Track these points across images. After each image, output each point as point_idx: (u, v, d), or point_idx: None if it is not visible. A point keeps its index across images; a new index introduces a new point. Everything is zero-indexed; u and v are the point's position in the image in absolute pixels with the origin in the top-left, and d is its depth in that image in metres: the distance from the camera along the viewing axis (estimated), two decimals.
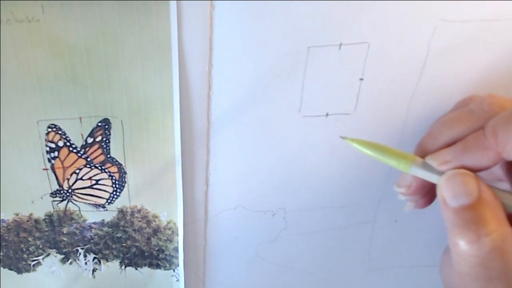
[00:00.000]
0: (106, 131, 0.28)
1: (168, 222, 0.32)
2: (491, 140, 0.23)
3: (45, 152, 0.29)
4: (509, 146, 0.22)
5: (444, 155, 0.24)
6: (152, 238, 0.33)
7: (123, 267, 0.34)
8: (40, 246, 0.33)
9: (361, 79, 0.28)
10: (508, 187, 0.27)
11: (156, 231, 0.33)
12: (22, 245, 0.32)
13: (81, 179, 0.30)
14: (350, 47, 0.26)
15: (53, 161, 0.29)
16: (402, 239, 0.35)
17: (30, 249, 0.33)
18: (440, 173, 0.24)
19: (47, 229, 0.32)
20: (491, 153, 0.23)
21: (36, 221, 0.31)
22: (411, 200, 0.28)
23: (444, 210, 0.24)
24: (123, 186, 0.31)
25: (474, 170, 0.24)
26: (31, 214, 0.31)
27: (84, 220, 0.32)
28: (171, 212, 0.32)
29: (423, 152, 0.26)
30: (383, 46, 0.27)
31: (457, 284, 0.25)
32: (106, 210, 0.32)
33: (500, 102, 0.25)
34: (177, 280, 0.35)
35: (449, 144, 0.25)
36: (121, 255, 0.34)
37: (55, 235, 0.32)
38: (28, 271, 0.34)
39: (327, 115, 0.29)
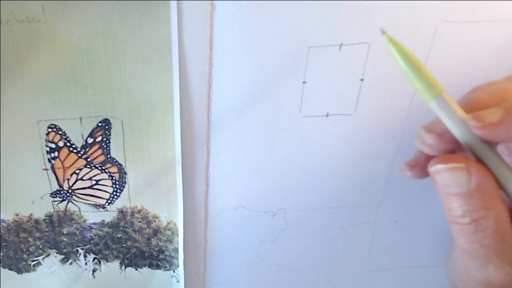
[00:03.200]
0: (106, 132, 0.28)
1: (168, 223, 0.32)
2: None
3: (45, 152, 0.29)
4: None
5: (488, 116, 0.22)
6: (152, 239, 0.33)
7: (123, 267, 0.34)
8: (40, 246, 0.33)
9: (362, 80, 0.28)
10: None
11: (156, 231, 0.33)
12: (22, 245, 0.32)
13: (81, 179, 0.30)
14: (350, 48, 0.26)
15: (53, 161, 0.29)
16: (402, 239, 0.35)
17: (30, 249, 0.33)
18: (458, 121, 0.22)
19: (47, 230, 0.32)
20: None
21: (36, 221, 0.31)
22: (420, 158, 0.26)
23: (438, 191, 0.24)
24: (123, 187, 0.31)
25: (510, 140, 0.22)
26: (31, 215, 0.31)
27: (84, 221, 0.32)
28: (171, 212, 0.32)
29: (472, 103, 0.23)
30: (383, 46, 0.27)
31: (461, 267, 0.25)
32: (106, 210, 0.32)
33: None
34: (177, 281, 0.35)
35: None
36: (121, 256, 0.34)
37: (55, 236, 0.32)
38: (28, 271, 0.34)
39: (327, 115, 0.29)
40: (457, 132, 0.23)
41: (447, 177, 0.23)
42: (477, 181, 0.22)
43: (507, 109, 0.22)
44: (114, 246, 0.33)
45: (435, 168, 0.23)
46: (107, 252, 0.33)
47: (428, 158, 0.27)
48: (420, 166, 0.27)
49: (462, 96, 0.25)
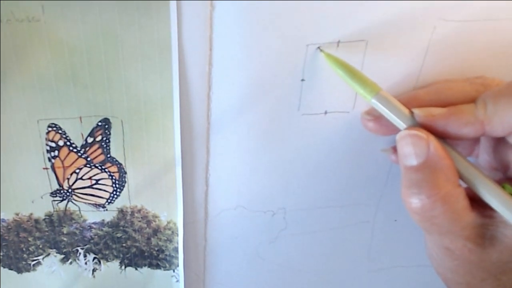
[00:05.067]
0: (106, 131, 0.28)
1: (168, 222, 0.32)
2: (480, 110, 0.23)
3: (45, 151, 0.29)
4: (495, 120, 0.23)
5: (432, 109, 0.24)
6: (152, 238, 0.33)
7: (123, 267, 0.34)
8: (40, 246, 0.33)
9: None
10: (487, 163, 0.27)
11: (156, 231, 0.33)
12: (22, 245, 0.32)
13: (81, 178, 0.30)
14: (348, 45, 0.26)
15: (53, 161, 0.29)
16: (402, 239, 0.35)
17: (30, 249, 0.33)
18: (398, 113, 0.24)
19: (47, 229, 0.32)
20: (477, 123, 0.23)
21: (36, 221, 0.31)
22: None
23: (400, 165, 0.25)
24: (123, 186, 0.31)
25: (454, 137, 0.24)
26: (31, 214, 0.31)
27: (84, 220, 0.32)
28: (171, 212, 0.32)
29: (406, 99, 0.26)
30: (381, 44, 0.27)
31: (428, 248, 0.27)
32: (106, 210, 0.32)
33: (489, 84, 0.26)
34: (177, 281, 0.35)
35: (436, 105, 0.25)
36: (121, 255, 0.34)
37: (55, 235, 0.32)
38: (28, 271, 0.34)
39: (325, 113, 0.29)
40: (400, 124, 0.25)
41: (407, 143, 0.24)
42: (433, 154, 0.23)
43: (449, 108, 0.24)
44: (114, 246, 0.33)
45: (399, 134, 0.24)
46: (107, 252, 0.33)
47: None
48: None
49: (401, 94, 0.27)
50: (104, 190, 0.31)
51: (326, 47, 0.26)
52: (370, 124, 0.27)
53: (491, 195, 0.23)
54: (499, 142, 0.26)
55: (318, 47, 0.26)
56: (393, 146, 0.28)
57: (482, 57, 0.28)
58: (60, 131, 0.28)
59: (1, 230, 0.31)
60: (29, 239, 0.32)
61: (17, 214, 0.31)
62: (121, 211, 0.32)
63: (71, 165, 0.30)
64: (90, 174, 0.30)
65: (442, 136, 0.24)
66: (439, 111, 0.24)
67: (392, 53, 0.27)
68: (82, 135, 0.29)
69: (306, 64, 0.27)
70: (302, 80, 0.27)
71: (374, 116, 0.27)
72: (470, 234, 0.24)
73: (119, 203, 0.31)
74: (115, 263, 0.34)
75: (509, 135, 0.24)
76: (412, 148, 0.24)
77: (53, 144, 0.29)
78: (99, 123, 0.28)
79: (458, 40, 0.27)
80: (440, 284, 0.32)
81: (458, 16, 0.26)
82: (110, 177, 0.30)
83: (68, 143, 0.29)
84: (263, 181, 0.31)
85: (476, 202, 0.24)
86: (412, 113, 0.25)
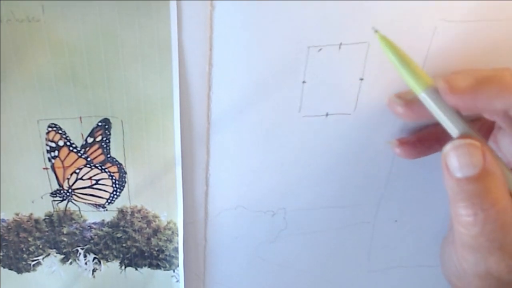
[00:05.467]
0: (106, 131, 0.28)
1: (168, 222, 0.32)
2: None
3: (45, 152, 0.29)
4: None
5: (458, 80, 0.23)
6: (152, 238, 0.33)
7: (123, 267, 0.34)
8: (40, 246, 0.33)
9: (361, 79, 0.28)
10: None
11: (156, 231, 0.33)
12: (22, 245, 0.32)
13: (81, 179, 0.30)
14: (350, 47, 0.26)
15: (53, 161, 0.29)
16: (402, 239, 0.35)
17: (30, 249, 0.33)
18: (447, 111, 0.23)
19: (47, 229, 0.32)
20: (508, 94, 0.22)
21: (36, 221, 0.31)
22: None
23: (447, 179, 0.23)
24: (123, 186, 0.31)
25: (482, 110, 0.23)
26: (31, 214, 0.31)
27: (84, 220, 0.32)
28: (171, 212, 0.32)
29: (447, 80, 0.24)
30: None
31: (457, 261, 0.25)
32: (106, 210, 0.32)
33: None
34: (177, 281, 0.35)
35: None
36: (121, 255, 0.34)
37: (55, 235, 0.32)
38: (28, 271, 0.34)
39: (327, 115, 0.29)
40: (448, 124, 0.23)
41: (460, 154, 0.23)
42: (489, 164, 0.22)
43: (476, 78, 0.23)
44: (114, 246, 0.33)
45: (453, 144, 0.23)
46: (107, 252, 0.33)
47: (419, 139, 0.27)
48: (410, 144, 0.27)
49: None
50: (104, 190, 0.31)
51: (329, 49, 0.26)
52: (400, 109, 0.26)
53: None
54: None
55: (373, 28, 0.24)
56: (398, 138, 0.27)
57: (483, 58, 0.28)
58: (60, 131, 0.28)
59: (1, 230, 0.31)
60: (29, 239, 0.32)
61: (17, 214, 0.31)
62: (121, 211, 0.32)
63: (71, 165, 0.30)
64: (90, 174, 0.30)
65: (467, 110, 0.23)
66: (466, 82, 0.23)
67: None
68: (82, 135, 0.29)
69: (308, 66, 0.27)
70: (303, 82, 0.27)
71: (406, 100, 0.25)
72: None
73: (119, 203, 0.31)
74: (115, 263, 0.34)
75: None
76: (469, 158, 0.22)
77: (53, 144, 0.29)
78: (99, 123, 0.28)
79: (459, 40, 0.27)
80: (440, 284, 0.32)
81: (459, 16, 0.26)
82: (110, 177, 0.30)
83: (68, 143, 0.29)
84: (263, 181, 0.31)
85: None
86: (459, 115, 0.23)
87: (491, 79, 0.23)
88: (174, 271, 0.34)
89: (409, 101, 0.25)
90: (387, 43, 0.24)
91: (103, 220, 0.32)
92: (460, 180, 0.23)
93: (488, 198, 0.22)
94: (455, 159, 0.23)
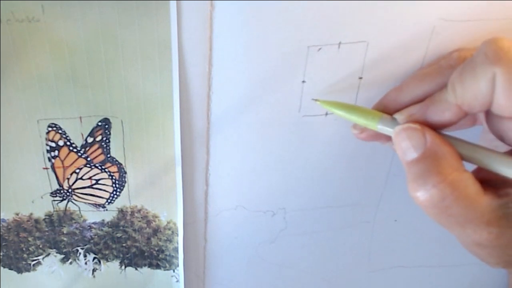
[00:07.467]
0: (106, 131, 0.28)
1: (168, 222, 0.32)
2: (451, 95, 0.23)
3: (45, 151, 0.29)
4: (467, 99, 0.22)
5: (410, 109, 0.25)
6: (152, 238, 0.33)
7: (123, 267, 0.34)
8: (40, 246, 0.33)
9: (360, 78, 0.28)
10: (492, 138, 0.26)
11: (156, 231, 0.33)
12: (22, 245, 0.32)
13: (81, 178, 0.30)
14: (349, 46, 0.26)
15: (53, 160, 0.29)
16: (402, 239, 0.35)
17: (30, 249, 0.33)
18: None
19: (47, 229, 0.32)
20: (454, 107, 0.23)
21: (36, 221, 0.31)
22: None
23: (404, 165, 0.24)
24: (123, 186, 0.31)
25: (441, 126, 0.24)
26: (31, 214, 0.31)
27: (84, 220, 0.32)
28: (171, 212, 0.32)
29: (386, 105, 0.26)
30: (382, 45, 0.27)
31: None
32: (106, 210, 0.32)
33: (466, 55, 0.25)
34: (177, 281, 0.35)
35: (416, 101, 0.25)
36: (121, 255, 0.34)
37: (55, 235, 0.32)
38: (28, 270, 0.34)
39: (326, 114, 0.29)
40: None
41: (403, 138, 0.24)
42: (430, 143, 0.23)
43: (424, 102, 0.24)
44: (114, 246, 0.33)
45: (394, 131, 0.24)
46: (107, 252, 0.33)
47: None
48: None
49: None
50: (104, 190, 0.31)
51: (328, 49, 0.26)
52: (363, 136, 0.27)
53: (505, 165, 0.22)
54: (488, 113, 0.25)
55: (312, 99, 0.28)
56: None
57: None
58: (60, 131, 0.28)
59: (1, 230, 0.31)
60: (29, 239, 0.32)
61: (17, 214, 0.31)
62: (121, 211, 0.32)
63: (71, 165, 0.30)
64: (90, 174, 0.30)
65: (434, 128, 0.24)
66: (417, 108, 0.24)
67: (393, 54, 0.27)
68: (82, 135, 0.29)
69: (307, 66, 0.27)
70: (303, 81, 0.27)
71: (361, 128, 0.27)
72: (490, 218, 0.23)
73: (119, 203, 0.31)
74: (115, 263, 0.34)
75: (488, 107, 0.23)
76: (409, 141, 0.23)
77: (53, 144, 0.29)
78: (99, 123, 0.28)
79: (458, 39, 0.27)
80: (440, 284, 0.32)
81: (458, 16, 0.26)
82: (110, 177, 0.30)
83: (68, 143, 0.29)
84: (263, 181, 0.31)
85: (488, 184, 0.23)
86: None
87: (435, 98, 0.24)
88: (174, 271, 0.34)
89: (364, 128, 0.27)
90: (329, 103, 0.26)
91: (103, 220, 0.32)
92: (409, 163, 0.23)
93: (438, 173, 0.22)
94: (398, 144, 0.24)
